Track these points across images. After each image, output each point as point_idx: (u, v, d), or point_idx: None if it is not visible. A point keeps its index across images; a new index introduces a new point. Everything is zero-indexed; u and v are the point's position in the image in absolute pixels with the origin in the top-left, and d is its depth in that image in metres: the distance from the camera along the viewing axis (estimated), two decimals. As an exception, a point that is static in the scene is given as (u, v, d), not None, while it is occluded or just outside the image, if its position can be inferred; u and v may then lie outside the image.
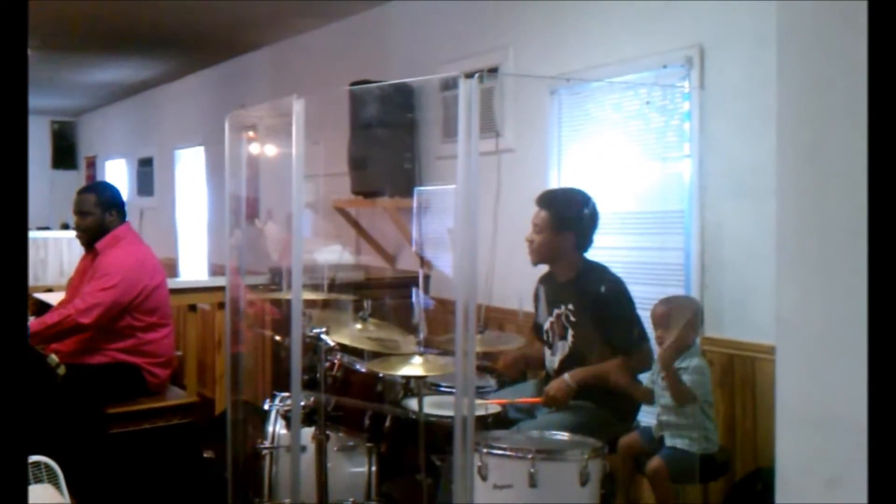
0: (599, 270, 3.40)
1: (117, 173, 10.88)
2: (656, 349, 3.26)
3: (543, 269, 3.61)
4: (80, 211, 4.08)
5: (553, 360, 3.43)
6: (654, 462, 3.09)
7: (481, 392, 3.38)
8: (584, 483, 2.65)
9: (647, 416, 3.40)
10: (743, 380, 3.39)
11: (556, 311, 3.43)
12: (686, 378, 3.08)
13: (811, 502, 2.21)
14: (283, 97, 2.89)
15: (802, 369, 2.18)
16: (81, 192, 4.23)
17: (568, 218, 3.37)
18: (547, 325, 3.48)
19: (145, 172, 10.11)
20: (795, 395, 2.19)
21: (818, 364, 2.13)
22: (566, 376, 3.26)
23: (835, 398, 2.09)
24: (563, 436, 2.92)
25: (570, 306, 3.37)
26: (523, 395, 3.47)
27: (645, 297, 3.44)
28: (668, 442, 3.13)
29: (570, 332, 3.37)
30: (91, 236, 4.05)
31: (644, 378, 3.38)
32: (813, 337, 2.15)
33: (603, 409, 3.26)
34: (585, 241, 3.42)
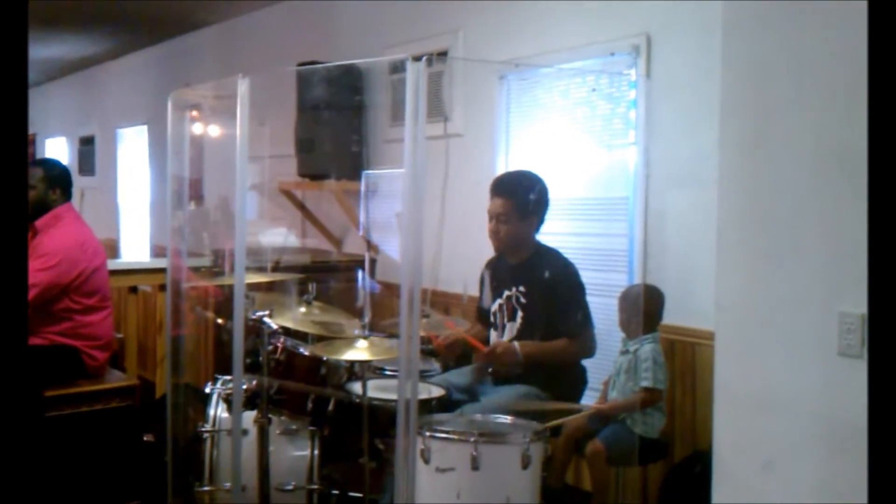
0: (552, 254, 3.44)
1: (58, 152, 10.64)
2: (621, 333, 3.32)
3: (492, 253, 3.63)
4: None
5: (500, 341, 3.45)
6: (593, 444, 3.14)
7: (425, 376, 3.39)
8: (525, 466, 2.67)
9: (592, 400, 3.44)
10: (683, 365, 3.44)
11: (505, 293, 3.45)
12: (643, 366, 3.14)
13: (747, 484, 2.26)
14: (228, 77, 2.85)
15: (740, 355, 2.22)
16: (29, 165, 4.14)
17: (530, 204, 3.40)
18: (495, 307, 3.50)
19: (87, 151, 9.91)
20: (733, 381, 2.24)
21: (756, 350, 2.18)
22: (516, 345, 3.30)
23: (771, 384, 2.13)
24: (506, 419, 2.94)
25: (522, 288, 3.40)
26: (465, 376, 3.48)
27: (589, 282, 3.47)
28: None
29: (520, 314, 3.39)
30: (30, 211, 3.96)
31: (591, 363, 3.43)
32: (751, 323, 2.19)
33: (546, 393, 3.28)
34: (541, 223, 3.45)
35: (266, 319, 3.11)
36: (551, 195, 3.48)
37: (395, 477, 2.57)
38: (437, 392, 3.21)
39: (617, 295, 3.39)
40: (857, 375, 1.85)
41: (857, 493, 1.75)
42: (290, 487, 3.21)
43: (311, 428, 3.29)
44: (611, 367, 3.37)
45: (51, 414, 3.72)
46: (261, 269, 3.67)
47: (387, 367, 3.44)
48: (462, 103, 4.56)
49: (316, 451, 3.28)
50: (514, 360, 3.29)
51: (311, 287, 3.40)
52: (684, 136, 3.46)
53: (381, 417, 3.02)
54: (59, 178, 4.04)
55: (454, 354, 3.55)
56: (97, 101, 9.71)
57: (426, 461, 2.65)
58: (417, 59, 2.46)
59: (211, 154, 5.74)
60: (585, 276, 3.44)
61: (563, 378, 3.36)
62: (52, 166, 4.15)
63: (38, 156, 11.06)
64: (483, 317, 3.62)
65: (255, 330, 3.13)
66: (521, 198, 3.40)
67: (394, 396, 2.78)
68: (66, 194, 4.05)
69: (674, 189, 3.50)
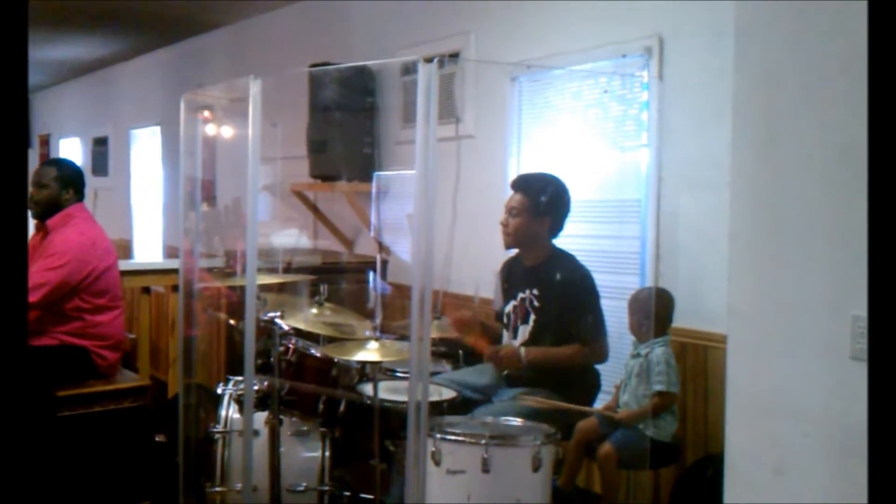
0: (568, 258, 3.43)
1: (71, 152, 10.69)
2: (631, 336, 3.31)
3: (503, 255, 3.62)
4: (37, 182, 4.01)
5: (513, 343, 3.45)
6: (604, 447, 3.13)
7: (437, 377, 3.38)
8: (536, 469, 2.66)
9: (603, 404, 3.43)
10: (695, 368, 3.43)
11: (520, 295, 3.44)
12: (656, 369, 3.13)
13: (759, 488, 2.25)
14: (240, 78, 2.85)
15: (752, 358, 2.21)
16: (44, 164, 4.18)
17: (546, 203, 3.39)
18: (509, 308, 3.49)
19: (100, 152, 9.94)
20: (745, 384, 2.22)
21: (768, 353, 2.17)
22: (522, 350, 3.29)
23: (784, 387, 2.12)
24: (517, 422, 2.94)
25: (536, 291, 3.39)
26: (480, 375, 3.47)
27: (602, 285, 3.45)
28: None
29: (533, 317, 3.38)
30: (43, 210, 3.98)
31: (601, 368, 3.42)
32: (763, 327, 2.18)
33: (558, 396, 3.28)
34: (559, 227, 3.44)
35: (277, 320, 3.12)
36: (564, 197, 3.47)
37: (406, 479, 2.57)
38: (448, 394, 3.21)
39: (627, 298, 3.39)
40: (869, 379, 1.84)
41: (870, 498, 1.74)
42: (301, 488, 3.22)
43: (322, 429, 3.29)
44: (622, 370, 3.36)
45: (63, 414, 3.74)
46: (272, 271, 3.68)
47: (398, 369, 3.44)
48: (474, 105, 4.56)
49: (327, 453, 3.29)
50: (516, 365, 3.29)
51: (323, 288, 3.40)
52: (696, 138, 3.45)
53: (392, 419, 3.02)
54: (72, 178, 4.06)
55: (465, 331, 3.53)
56: (110, 101, 9.74)
57: (437, 463, 2.65)
58: (429, 60, 2.46)
59: (223, 155, 5.75)
60: (597, 279, 3.43)
61: (576, 382, 3.34)
62: (65, 166, 4.17)
63: (52, 156, 11.10)
64: (500, 318, 3.61)
65: (267, 331, 3.14)
66: (535, 195, 3.39)
67: (405, 398, 2.78)
68: (79, 194, 4.07)
69: (686, 191, 3.49)
